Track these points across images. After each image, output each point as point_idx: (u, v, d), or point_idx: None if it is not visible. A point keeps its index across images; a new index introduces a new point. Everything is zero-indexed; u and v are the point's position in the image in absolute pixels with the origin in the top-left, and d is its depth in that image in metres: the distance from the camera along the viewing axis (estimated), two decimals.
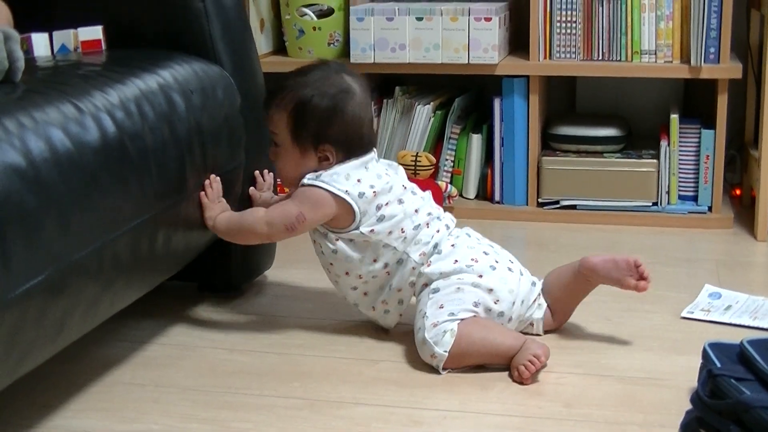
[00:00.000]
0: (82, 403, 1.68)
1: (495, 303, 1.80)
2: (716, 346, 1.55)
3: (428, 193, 1.91)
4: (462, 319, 1.76)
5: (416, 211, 1.83)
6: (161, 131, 1.71)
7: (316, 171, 1.82)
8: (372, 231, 1.80)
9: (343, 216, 1.81)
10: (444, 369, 1.74)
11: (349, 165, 1.82)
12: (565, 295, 1.89)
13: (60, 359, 1.62)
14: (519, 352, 1.73)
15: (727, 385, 1.43)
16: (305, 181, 1.81)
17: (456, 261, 1.81)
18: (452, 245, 1.82)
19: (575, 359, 1.80)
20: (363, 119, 1.83)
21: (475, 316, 1.77)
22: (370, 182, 1.81)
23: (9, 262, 1.31)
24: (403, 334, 1.92)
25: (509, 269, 1.84)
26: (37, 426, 1.60)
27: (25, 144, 1.37)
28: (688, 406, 1.52)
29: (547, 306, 1.89)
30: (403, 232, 1.82)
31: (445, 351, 1.73)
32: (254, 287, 2.19)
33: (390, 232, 1.81)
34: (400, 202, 1.83)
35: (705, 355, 1.55)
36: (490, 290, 1.79)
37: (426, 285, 1.81)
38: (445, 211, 1.91)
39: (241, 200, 2.01)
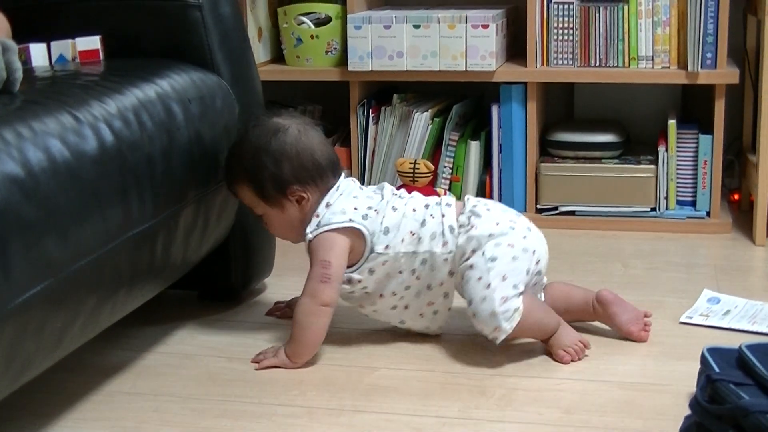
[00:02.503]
0: (82, 412, 1.68)
1: (536, 264, 1.84)
2: (715, 351, 1.55)
3: (414, 195, 1.92)
4: (521, 293, 1.80)
5: (414, 210, 1.85)
6: (160, 141, 1.71)
7: (301, 216, 1.85)
8: (387, 247, 1.82)
9: (356, 245, 1.83)
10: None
11: (338, 200, 1.84)
12: (564, 312, 1.91)
13: (59, 368, 1.62)
14: (559, 334, 1.82)
15: (726, 390, 1.43)
16: (309, 235, 1.83)
17: (498, 223, 1.83)
18: (487, 209, 1.85)
19: (574, 365, 1.80)
20: (310, 147, 1.85)
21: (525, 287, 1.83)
22: (366, 204, 1.84)
23: (8, 273, 1.31)
24: (400, 341, 1.92)
25: (537, 230, 1.90)
26: None
27: (23, 155, 1.38)
28: (687, 412, 1.52)
29: None
30: (413, 234, 1.83)
31: (512, 327, 1.78)
32: (253, 295, 2.20)
33: (402, 240, 1.83)
34: (394, 209, 1.85)
35: (704, 360, 1.55)
36: (534, 251, 1.83)
37: (474, 251, 1.81)
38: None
39: (240, 208, 2.01)
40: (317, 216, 1.84)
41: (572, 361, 1.81)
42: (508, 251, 1.80)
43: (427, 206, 1.86)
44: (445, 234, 1.83)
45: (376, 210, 1.84)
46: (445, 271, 1.84)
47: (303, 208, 1.85)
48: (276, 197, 1.85)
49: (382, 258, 1.83)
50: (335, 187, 1.86)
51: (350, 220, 1.81)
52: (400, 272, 1.85)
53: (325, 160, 1.86)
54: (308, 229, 1.84)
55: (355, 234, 1.82)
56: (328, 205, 1.84)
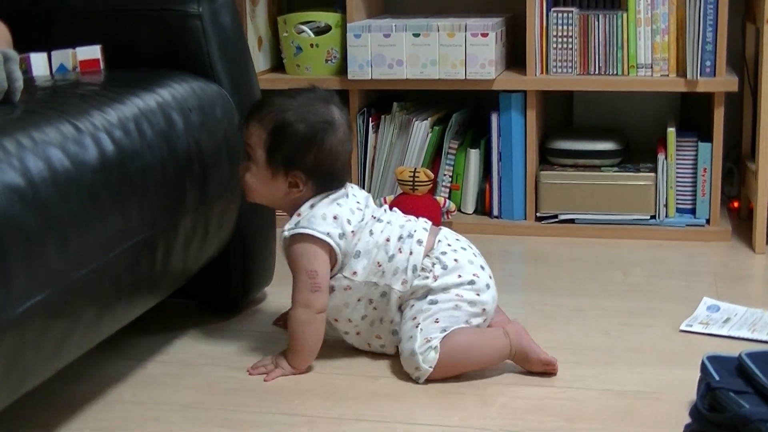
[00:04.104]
0: (83, 422, 1.68)
1: (483, 321, 1.83)
2: (715, 359, 1.56)
3: (394, 215, 1.89)
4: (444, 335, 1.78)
5: (387, 240, 1.82)
6: (160, 150, 1.71)
7: (281, 196, 1.83)
8: (354, 273, 1.81)
9: (330, 258, 1.82)
10: (427, 382, 1.77)
11: (322, 203, 1.82)
12: None
13: (59, 378, 1.62)
14: (519, 360, 1.79)
15: (725, 399, 1.43)
16: (286, 234, 1.82)
17: (460, 276, 1.81)
18: (455, 260, 1.81)
19: (575, 374, 1.80)
20: (340, 154, 1.83)
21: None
22: (346, 217, 1.81)
23: (9, 282, 1.31)
24: None
25: (494, 284, 1.86)
26: None
27: (24, 164, 1.38)
28: (687, 420, 1.52)
29: None
30: (380, 266, 1.81)
31: (430, 367, 1.75)
32: (253, 304, 2.20)
33: (368, 269, 1.81)
34: (371, 233, 1.82)
35: (704, 368, 1.55)
36: (484, 309, 1.82)
37: (425, 294, 1.81)
38: (434, 222, 1.92)
39: (240, 217, 2.01)
40: (298, 215, 1.82)
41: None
42: (453, 299, 1.80)
43: (400, 238, 1.82)
44: (407, 272, 1.80)
45: (353, 231, 1.81)
46: (396, 307, 1.84)
47: (289, 193, 1.83)
48: (277, 167, 1.81)
49: (346, 282, 1.82)
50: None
51: (328, 234, 1.79)
52: (359, 300, 1.84)
53: (341, 171, 1.85)
54: (286, 226, 1.82)
55: (328, 248, 1.80)
56: (312, 206, 1.82)
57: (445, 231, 1.89)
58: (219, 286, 2.11)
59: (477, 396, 1.73)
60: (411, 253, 1.81)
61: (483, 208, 2.79)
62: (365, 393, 1.76)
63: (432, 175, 2.66)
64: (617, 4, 2.74)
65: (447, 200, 2.70)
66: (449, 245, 1.84)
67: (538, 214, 2.71)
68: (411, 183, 2.62)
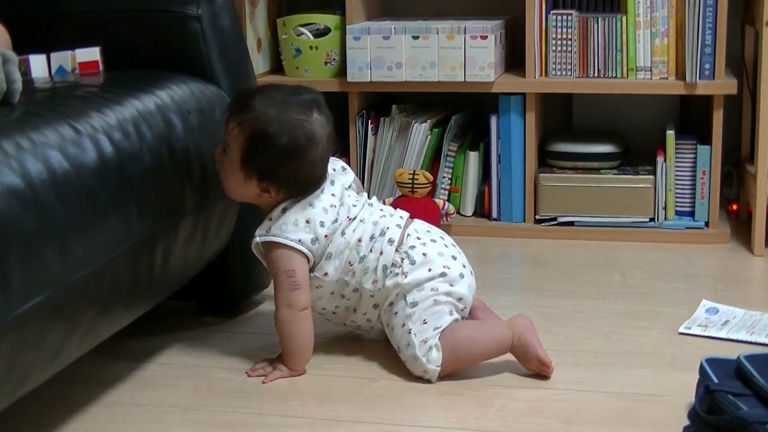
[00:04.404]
0: (82, 423, 1.68)
1: (462, 310, 1.84)
2: (713, 362, 1.55)
3: (368, 210, 1.87)
4: (442, 331, 1.79)
5: (359, 240, 1.82)
6: (159, 152, 1.71)
7: (252, 197, 1.82)
8: (325, 274, 1.82)
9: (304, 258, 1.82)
10: (437, 379, 1.79)
11: (294, 208, 1.80)
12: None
13: (59, 380, 1.62)
14: (518, 356, 1.80)
15: (724, 401, 1.43)
16: (257, 239, 1.81)
17: (430, 270, 1.81)
18: (423, 254, 1.82)
19: (573, 376, 1.80)
20: (317, 167, 1.81)
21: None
22: (319, 219, 1.81)
23: (8, 284, 1.31)
24: None
25: (470, 273, 1.87)
26: None
27: (23, 166, 1.38)
28: (686, 422, 1.52)
29: None
30: (351, 265, 1.82)
31: (437, 366, 1.76)
32: (253, 306, 2.20)
33: (340, 268, 1.82)
34: (343, 234, 1.82)
35: (702, 370, 1.55)
36: (460, 298, 1.83)
37: (398, 296, 1.81)
38: (412, 218, 1.92)
39: (239, 219, 2.01)
40: (270, 219, 1.81)
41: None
42: (430, 295, 1.80)
43: (372, 238, 1.82)
44: (377, 272, 1.81)
45: (327, 235, 1.81)
46: (371, 304, 1.85)
47: (259, 195, 1.82)
48: (251, 173, 1.79)
49: (317, 282, 1.83)
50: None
51: (299, 241, 1.78)
52: (332, 293, 1.85)
53: (316, 181, 1.83)
54: (258, 231, 1.81)
55: (300, 254, 1.79)
56: (284, 210, 1.81)
57: (415, 224, 1.89)
58: (218, 287, 2.12)
59: (475, 398, 1.73)
60: (381, 252, 1.82)
61: (482, 210, 2.79)
62: (363, 395, 1.76)
63: (431, 178, 2.66)
64: (617, 6, 2.75)
65: (446, 202, 2.70)
66: (418, 238, 1.85)
67: (537, 217, 2.71)
68: (410, 185, 2.62)
